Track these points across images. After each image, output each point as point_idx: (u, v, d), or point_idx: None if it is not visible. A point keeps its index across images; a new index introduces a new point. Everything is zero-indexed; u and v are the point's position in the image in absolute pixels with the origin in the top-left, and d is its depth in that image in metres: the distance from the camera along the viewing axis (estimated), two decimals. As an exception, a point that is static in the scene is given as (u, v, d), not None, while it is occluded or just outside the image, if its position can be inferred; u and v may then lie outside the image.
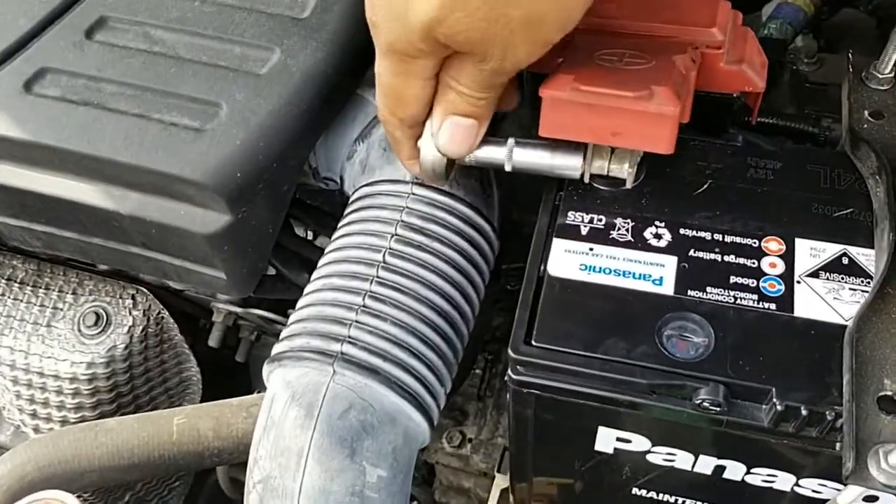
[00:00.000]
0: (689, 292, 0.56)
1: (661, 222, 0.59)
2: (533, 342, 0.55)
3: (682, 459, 0.58)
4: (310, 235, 0.98)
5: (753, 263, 0.57)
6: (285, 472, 0.56)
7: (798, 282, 0.56)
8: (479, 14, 0.48)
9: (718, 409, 0.52)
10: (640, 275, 0.57)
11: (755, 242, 0.58)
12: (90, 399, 0.87)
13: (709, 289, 0.56)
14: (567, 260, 0.58)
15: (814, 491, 0.57)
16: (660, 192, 0.61)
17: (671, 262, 0.57)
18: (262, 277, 0.76)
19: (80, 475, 0.74)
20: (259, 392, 0.82)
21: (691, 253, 0.58)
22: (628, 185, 0.61)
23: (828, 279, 0.56)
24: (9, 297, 0.88)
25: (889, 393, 0.50)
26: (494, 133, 0.60)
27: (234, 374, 1.07)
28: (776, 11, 0.97)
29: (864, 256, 0.57)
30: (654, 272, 0.57)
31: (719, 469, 0.58)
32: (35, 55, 0.69)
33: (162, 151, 0.63)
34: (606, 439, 0.58)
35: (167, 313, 0.89)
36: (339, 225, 0.67)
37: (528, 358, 0.54)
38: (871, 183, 0.59)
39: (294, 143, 0.66)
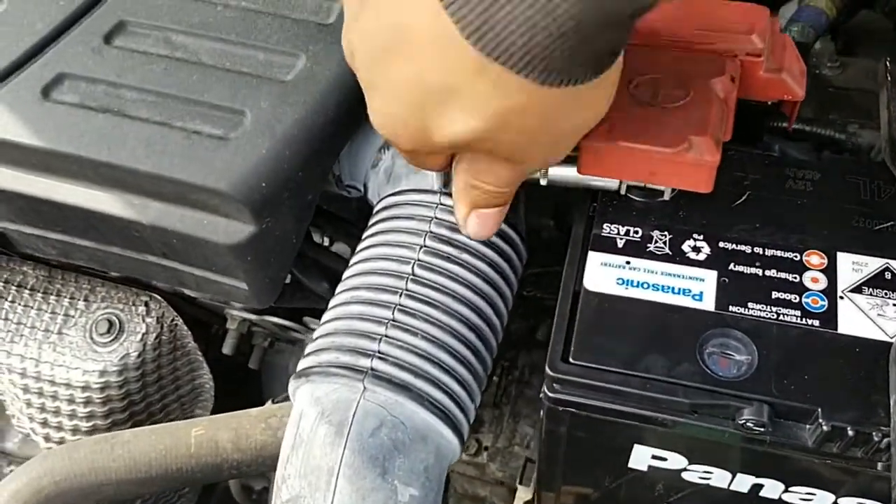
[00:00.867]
0: (731, 308, 0.55)
1: (699, 235, 0.58)
2: (571, 360, 0.53)
3: (719, 478, 0.57)
4: (325, 241, 0.96)
5: (795, 278, 0.56)
6: (315, 492, 0.54)
7: (841, 297, 0.55)
8: (530, 131, 0.45)
9: (763, 429, 0.51)
10: (679, 289, 0.56)
11: (797, 256, 0.57)
12: (102, 408, 0.85)
13: (750, 304, 0.55)
14: (603, 274, 0.57)
15: (854, 510, 0.56)
16: (696, 203, 0.59)
17: (711, 276, 0.56)
18: (282, 286, 0.74)
19: (97, 488, 0.73)
20: (273, 400, 0.81)
21: (731, 267, 0.56)
22: (667, 197, 0.59)
23: (871, 294, 0.55)
24: (19, 304, 0.87)
25: (938, 413, 0.49)
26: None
27: (245, 380, 1.06)
28: (797, 14, 0.95)
29: (908, 271, 0.56)
30: (694, 287, 0.56)
31: (756, 487, 0.57)
32: (53, 61, 0.67)
33: (184, 160, 0.62)
34: (641, 457, 0.57)
35: (181, 320, 0.88)
36: (365, 235, 0.66)
37: (566, 376, 0.53)
38: (912, 195, 0.58)
39: (320, 151, 0.64)
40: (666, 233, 0.58)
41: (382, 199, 0.67)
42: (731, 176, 0.61)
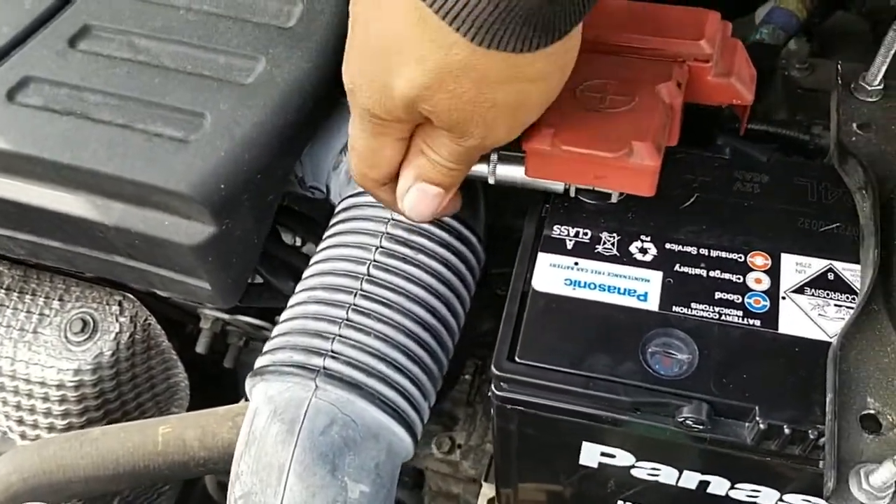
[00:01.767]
0: (674, 308, 0.55)
1: (646, 236, 0.59)
2: (516, 358, 0.54)
3: (667, 474, 0.58)
4: (297, 242, 0.97)
5: (739, 279, 0.57)
6: (266, 488, 0.56)
7: (783, 298, 0.56)
8: (466, 97, 0.47)
9: (702, 427, 0.51)
10: (624, 290, 0.57)
11: (741, 257, 0.58)
12: (77, 406, 0.86)
13: (694, 305, 0.55)
14: (552, 274, 0.58)
15: (798, 506, 0.57)
16: (646, 205, 0.60)
17: (656, 277, 0.57)
18: (249, 286, 0.75)
19: (66, 485, 0.74)
20: (246, 400, 0.82)
21: (677, 268, 0.57)
22: (614, 200, 0.60)
23: (813, 295, 0.56)
24: (-5, 304, 0.88)
25: (872, 412, 0.50)
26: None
27: (221, 379, 1.07)
28: (768, 16, 0.96)
29: (850, 272, 0.57)
30: (640, 287, 0.57)
31: (704, 484, 0.58)
32: (18, 64, 0.68)
33: (145, 162, 0.63)
34: (591, 454, 0.58)
35: (154, 319, 0.89)
36: (325, 236, 0.67)
37: (511, 375, 0.54)
38: (858, 197, 0.59)
39: (279, 153, 0.65)
40: (614, 234, 0.59)
41: (342, 200, 0.68)
42: (680, 178, 0.62)
